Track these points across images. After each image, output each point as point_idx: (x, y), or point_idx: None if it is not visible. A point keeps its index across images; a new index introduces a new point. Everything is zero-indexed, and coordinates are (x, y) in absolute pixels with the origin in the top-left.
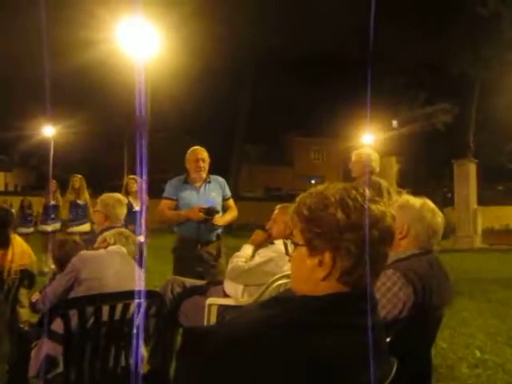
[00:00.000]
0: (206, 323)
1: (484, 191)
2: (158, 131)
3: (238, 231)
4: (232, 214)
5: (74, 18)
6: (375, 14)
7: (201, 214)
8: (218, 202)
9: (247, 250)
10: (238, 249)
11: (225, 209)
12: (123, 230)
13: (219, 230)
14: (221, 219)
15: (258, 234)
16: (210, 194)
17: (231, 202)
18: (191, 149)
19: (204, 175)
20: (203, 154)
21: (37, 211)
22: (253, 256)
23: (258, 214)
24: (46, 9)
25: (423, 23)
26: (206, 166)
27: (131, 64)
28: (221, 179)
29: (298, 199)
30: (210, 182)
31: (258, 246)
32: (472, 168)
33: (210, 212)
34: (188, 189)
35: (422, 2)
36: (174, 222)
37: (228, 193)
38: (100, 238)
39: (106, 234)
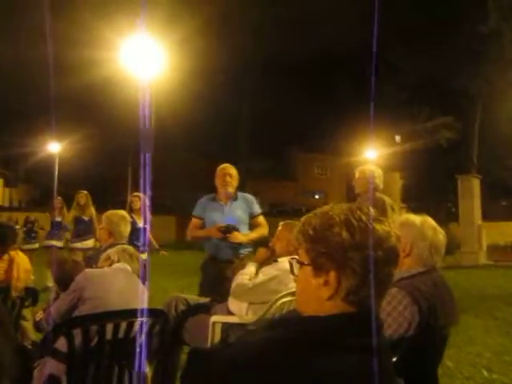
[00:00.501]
0: (210, 341)
1: (488, 207)
2: (161, 148)
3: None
4: (259, 232)
5: (79, 37)
6: (378, 30)
7: (219, 232)
8: (242, 220)
9: (251, 267)
10: None
11: (253, 227)
12: (127, 246)
13: (244, 249)
14: (241, 236)
15: (261, 252)
16: (235, 211)
17: (261, 219)
18: (220, 166)
19: (230, 190)
20: (231, 170)
21: (41, 227)
22: (257, 274)
23: None
24: (52, 28)
25: (426, 39)
26: (233, 181)
27: (135, 81)
28: (249, 197)
29: (302, 219)
30: (236, 200)
31: (261, 264)
32: (476, 183)
33: (228, 230)
34: (214, 206)
35: (425, 18)
36: (199, 240)
37: (257, 210)
38: (104, 256)
39: (110, 251)
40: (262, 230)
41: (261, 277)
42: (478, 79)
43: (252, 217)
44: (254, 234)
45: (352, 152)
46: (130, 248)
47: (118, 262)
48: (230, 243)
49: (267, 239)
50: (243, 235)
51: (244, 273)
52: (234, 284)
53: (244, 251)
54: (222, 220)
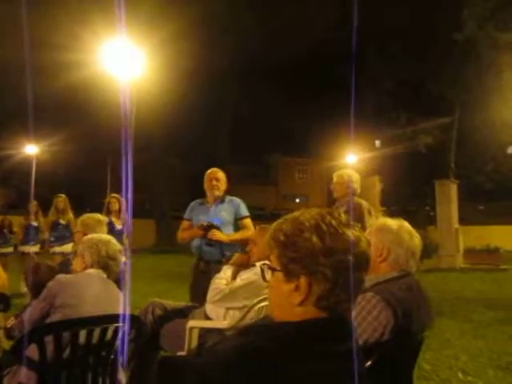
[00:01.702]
0: (186, 346)
1: (465, 211)
2: (141, 151)
3: None
4: (243, 234)
5: (58, 39)
6: (357, 35)
7: (200, 230)
8: (227, 221)
9: (227, 271)
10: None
11: (239, 228)
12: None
13: (231, 250)
14: (220, 235)
15: (238, 256)
16: (220, 213)
17: (246, 221)
18: (208, 170)
19: (217, 193)
20: (217, 174)
21: (16, 231)
22: (234, 278)
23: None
24: (29, 30)
25: (404, 45)
26: (219, 184)
27: (115, 84)
28: (237, 200)
29: (273, 225)
30: (223, 202)
31: (238, 267)
32: (453, 188)
33: (207, 228)
34: (201, 209)
35: (403, 24)
36: (187, 241)
37: (243, 213)
38: (75, 258)
39: (79, 248)
40: (247, 232)
41: (238, 281)
42: (456, 85)
43: (238, 219)
44: (236, 235)
45: (333, 156)
46: (91, 216)
47: (91, 259)
48: (211, 241)
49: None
50: (224, 235)
51: (220, 277)
52: (210, 289)
53: (229, 252)
54: (203, 218)
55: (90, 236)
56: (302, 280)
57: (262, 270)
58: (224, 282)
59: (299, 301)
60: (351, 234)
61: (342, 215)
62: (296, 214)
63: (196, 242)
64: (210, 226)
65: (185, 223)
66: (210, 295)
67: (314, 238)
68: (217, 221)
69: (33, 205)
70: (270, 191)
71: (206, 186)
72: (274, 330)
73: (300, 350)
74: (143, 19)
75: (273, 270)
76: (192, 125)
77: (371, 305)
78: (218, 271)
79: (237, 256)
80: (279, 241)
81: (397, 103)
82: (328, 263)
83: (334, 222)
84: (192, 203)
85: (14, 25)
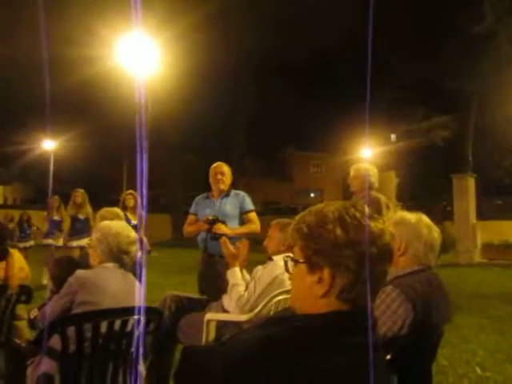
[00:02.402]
0: (204, 339)
1: (483, 205)
2: (157, 147)
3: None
4: (248, 227)
5: (75, 34)
6: (374, 29)
7: (205, 223)
8: (232, 215)
9: (237, 273)
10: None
11: (244, 222)
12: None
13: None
14: (225, 228)
15: (230, 257)
16: (225, 206)
17: (252, 215)
18: (213, 165)
19: (222, 187)
20: (222, 168)
21: (37, 225)
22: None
23: None
24: (47, 26)
25: (422, 39)
26: (224, 179)
27: (131, 79)
28: (242, 193)
29: (297, 217)
30: (228, 196)
31: (241, 263)
32: (471, 182)
33: (212, 222)
34: (206, 203)
35: (421, 18)
36: (193, 235)
37: (248, 206)
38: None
39: (91, 240)
40: (252, 226)
41: (261, 281)
42: (474, 79)
43: (243, 212)
44: (242, 229)
45: (347, 150)
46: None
47: (102, 255)
48: (216, 235)
49: (256, 235)
50: (228, 228)
51: (235, 284)
52: (233, 297)
53: (234, 246)
54: (209, 212)
55: (100, 225)
56: (325, 272)
57: (286, 262)
58: (242, 287)
59: (322, 293)
60: (375, 226)
61: (366, 208)
62: (320, 206)
63: (202, 236)
64: (215, 220)
65: (190, 217)
66: (235, 306)
67: (338, 230)
68: (221, 215)
69: (54, 200)
70: (284, 186)
71: (210, 180)
72: (298, 322)
73: (323, 342)
74: (159, 14)
75: (296, 261)
76: (208, 120)
77: (391, 298)
78: (222, 264)
79: (229, 257)
80: (303, 232)
81: (413, 97)
82: (351, 255)
83: (357, 214)
84: (197, 198)
85: (30, 21)
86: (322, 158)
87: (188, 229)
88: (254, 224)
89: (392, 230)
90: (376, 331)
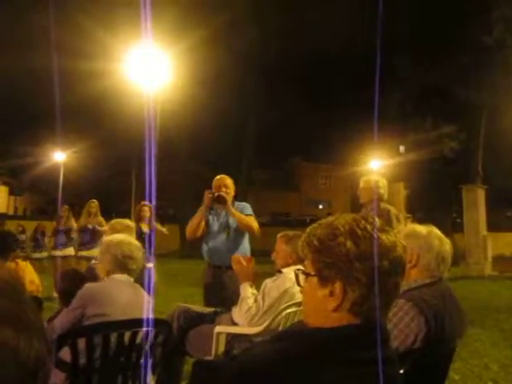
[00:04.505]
0: (214, 352)
1: (493, 217)
2: (165, 158)
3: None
4: (248, 219)
5: (85, 47)
6: (382, 40)
7: (209, 195)
8: (236, 226)
9: (247, 288)
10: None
11: (245, 232)
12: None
13: (239, 254)
14: (230, 206)
15: (241, 273)
16: (229, 218)
17: (250, 217)
18: (216, 177)
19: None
20: (225, 180)
21: (49, 236)
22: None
23: (264, 240)
24: (58, 39)
25: (430, 49)
26: (228, 191)
27: (140, 91)
28: (243, 203)
29: (308, 230)
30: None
31: (252, 279)
32: (481, 194)
33: (219, 199)
34: (211, 214)
35: (430, 28)
36: (196, 226)
37: (247, 211)
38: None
39: (98, 254)
40: (252, 223)
41: (271, 294)
42: (483, 89)
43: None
44: (242, 216)
45: (356, 162)
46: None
47: (108, 266)
48: (218, 197)
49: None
50: (236, 211)
51: (245, 297)
52: (243, 309)
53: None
54: (214, 222)
55: (103, 240)
56: (337, 285)
57: (297, 275)
58: (251, 300)
59: (334, 306)
60: (386, 238)
61: (377, 220)
62: (330, 218)
63: (207, 246)
64: (222, 198)
65: None
66: (244, 318)
67: (349, 243)
68: (225, 224)
69: (64, 209)
70: (292, 197)
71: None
72: (310, 336)
73: (335, 357)
74: (168, 27)
75: (307, 275)
76: (217, 131)
77: (403, 311)
78: (227, 275)
79: (239, 271)
80: (313, 246)
81: (422, 108)
82: (362, 268)
83: (368, 226)
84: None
85: (43, 35)
86: (330, 169)
87: (190, 223)
88: (252, 221)
89: (403, 242)
90: (389, 345)
